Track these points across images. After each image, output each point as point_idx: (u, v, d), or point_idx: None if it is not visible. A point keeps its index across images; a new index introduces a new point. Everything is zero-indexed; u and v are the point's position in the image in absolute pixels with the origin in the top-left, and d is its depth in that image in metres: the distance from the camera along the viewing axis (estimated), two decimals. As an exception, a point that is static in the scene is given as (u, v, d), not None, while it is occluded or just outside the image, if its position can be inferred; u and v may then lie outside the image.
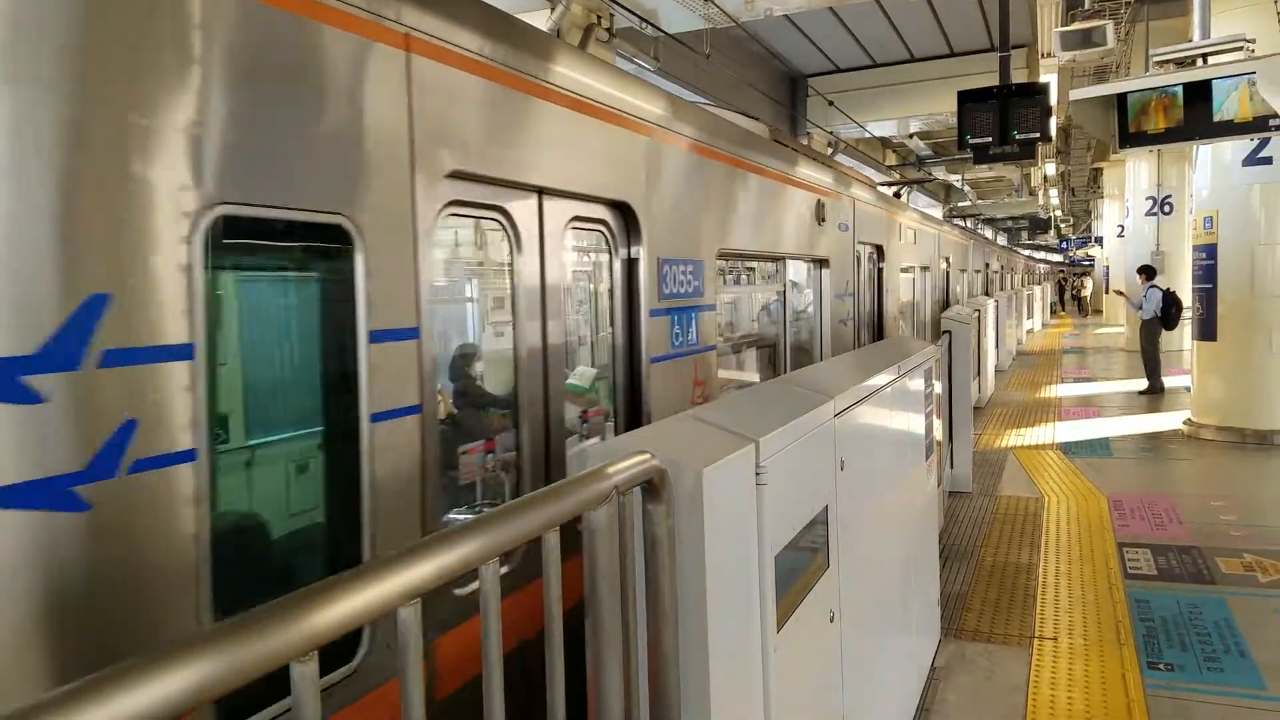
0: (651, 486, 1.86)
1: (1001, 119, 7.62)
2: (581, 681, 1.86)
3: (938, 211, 30.59)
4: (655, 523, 1.88)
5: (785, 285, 6.55)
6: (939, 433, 5.46)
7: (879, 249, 9.29)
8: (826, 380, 3.11)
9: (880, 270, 9.40)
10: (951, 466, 7.98)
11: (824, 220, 6.90)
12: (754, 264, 6.26)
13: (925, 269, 13.01)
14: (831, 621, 2.77)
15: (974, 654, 4.81)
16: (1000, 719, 4.13)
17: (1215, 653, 4.74)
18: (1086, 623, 5.17)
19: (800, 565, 2.49)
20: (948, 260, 15.15)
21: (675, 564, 1.90)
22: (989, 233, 38.47)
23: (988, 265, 21.58)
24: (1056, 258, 61.19)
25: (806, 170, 6.63)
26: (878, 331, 9.40)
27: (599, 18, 6.77)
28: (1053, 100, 8.37)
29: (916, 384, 4.37)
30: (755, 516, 2.18)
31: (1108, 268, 33.45)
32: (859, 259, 8.35)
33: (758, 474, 2.18)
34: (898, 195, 17.55)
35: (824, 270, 7.18)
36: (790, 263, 6.52)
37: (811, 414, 2.62)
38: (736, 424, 2.27)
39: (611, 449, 1.89)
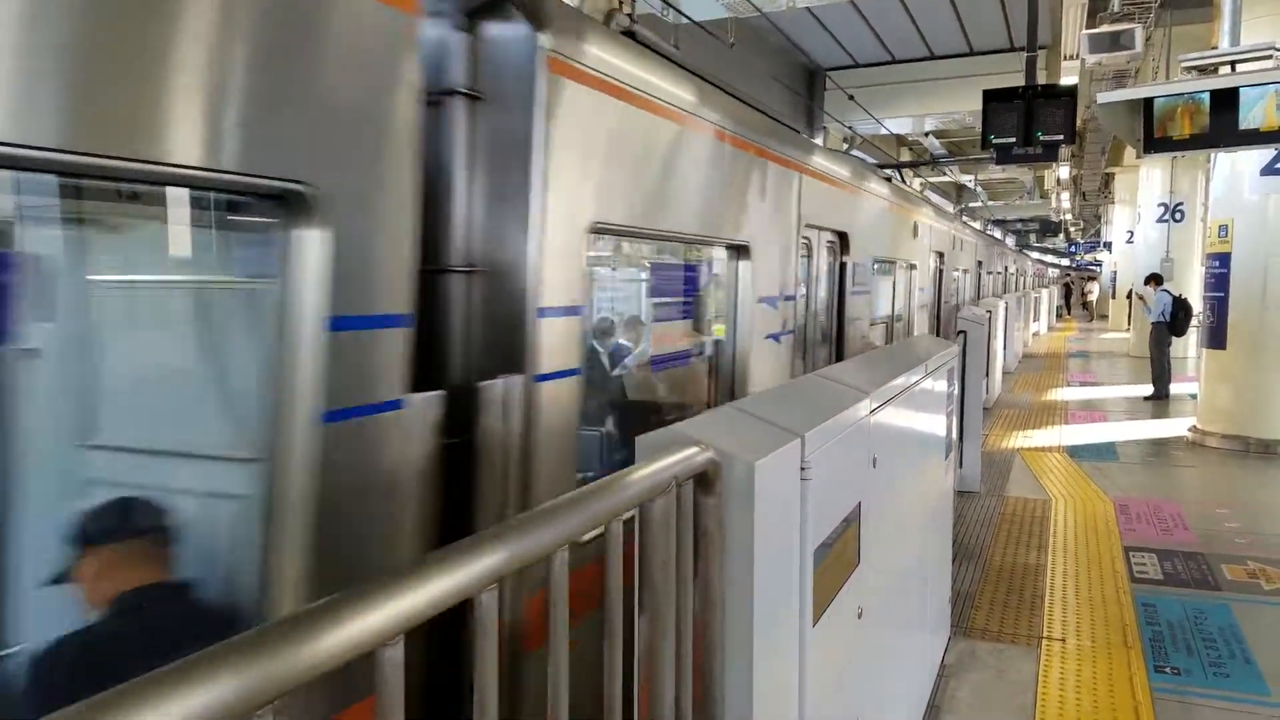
0: (705, 478, 1.89)
1: (1026, 120, 7.62)
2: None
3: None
4: (706, 514, 1.90)
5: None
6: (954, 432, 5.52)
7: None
8: (860, 377, 3.13)
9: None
10: (961, 466, 8.01)
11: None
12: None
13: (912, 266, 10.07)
14: (859, 617, 2.80)
15: (984, 652, 4.85)
16: (1010, 718, 4.17)
17: (1221, 658, 4.78)
18: (1094, 625, 5.21)
19: (834, 561, 2.52)
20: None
21: (725, 555, 1.93)
22: (998, 233, 38.35)
23: (980, 264, 18.28)
24: (1064, 261, 61.12)
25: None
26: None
27: (620, 2, 6.75)
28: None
29: (941, 383, 4.40)
30: (799, 510, 2.21)
31: (1115, 273, 33.42)
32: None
33: (803, 468, 2.20)
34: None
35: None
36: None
37: (850, 410, 2.65)
38: (780, 417, 2.29)
39: (662, 440, 1.91)
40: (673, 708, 1.80)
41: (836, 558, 2.54)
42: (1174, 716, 4.18)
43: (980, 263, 18.35)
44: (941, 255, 12.48)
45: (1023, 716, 4.18)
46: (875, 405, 2.94)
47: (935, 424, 4.33)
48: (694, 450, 1.86)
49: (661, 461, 1.75)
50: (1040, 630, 5.14)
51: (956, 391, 5.64)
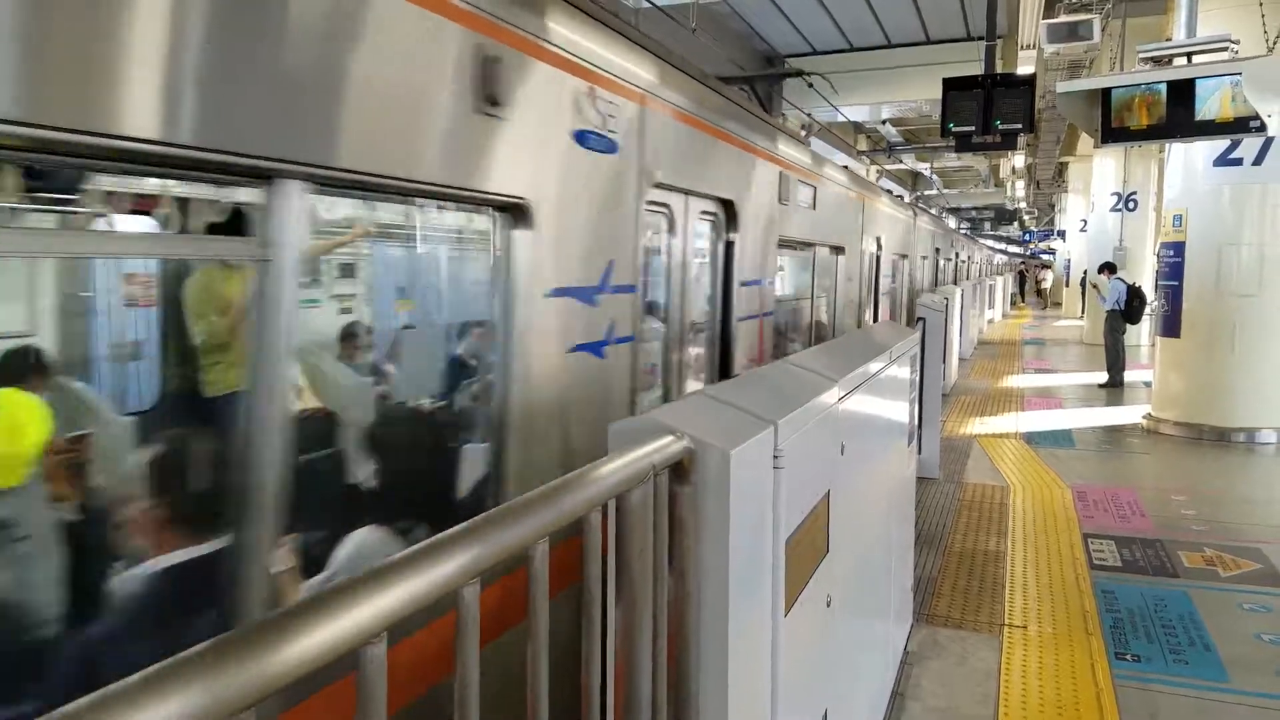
0: (680, 467, 1.83)
1: (985, 108, 7.65)
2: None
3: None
4: (682, 503, 1.85)
5: None
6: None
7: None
8: (828, 364, 3.09)
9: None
10: (920, 452, 8.04)
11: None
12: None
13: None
14: (828, 606, 2.77)
15: (946, 640, 4.86)
16: (973, 704, 4.18)
17: (1180, 645, 4.83)
18: (1055, 612, 5.25)
19: (805, 550, 2.48)
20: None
21: (699, 545, 1.88)
22: (953, 222, 38.77)
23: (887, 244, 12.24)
24: (1015, 248, 61.99)
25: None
26: None
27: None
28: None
29: (904, 369, 4.38)
30: (772, 499, 2.16)
31: (1069, 261, 33.96)
32: None
33: (775, 457, 2.15)
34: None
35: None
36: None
37: (821, 398, 2.61)
38: (753, 404, 2.24)
39: (637, 429, 1.86)
40: (649, 697, 1.75)
41: (807, 546, 2.49)
42: (1135, 703, 4.21)
43: (884, 241, 12.04)
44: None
45: (986, 704, 4.19)
46: (844, 392, 2.90)
47: (899, 411, 4.31)
48: (669, 439, 1.80)
49: (639, 450, 1.70)
50: (1002, 617, 5.16)
51: (917, 378, 5.65)
